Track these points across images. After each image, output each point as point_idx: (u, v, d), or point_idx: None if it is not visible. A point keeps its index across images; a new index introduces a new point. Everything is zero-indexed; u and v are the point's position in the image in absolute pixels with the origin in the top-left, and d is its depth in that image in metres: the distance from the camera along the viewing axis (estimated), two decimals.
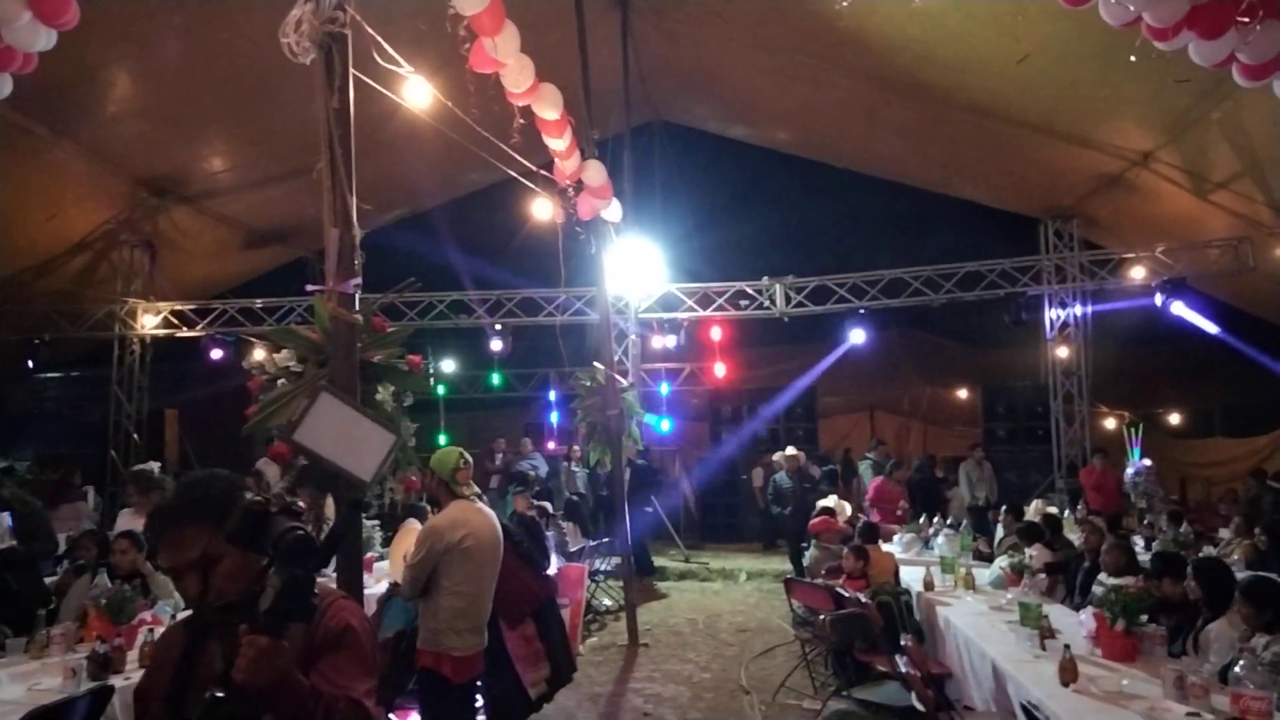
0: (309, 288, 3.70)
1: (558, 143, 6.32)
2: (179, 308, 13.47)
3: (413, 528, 6.65)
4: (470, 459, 4.58)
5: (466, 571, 4.32)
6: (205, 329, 13.33)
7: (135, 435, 13.61)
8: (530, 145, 6.58)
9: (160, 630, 4.51)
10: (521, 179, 7.01)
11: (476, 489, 4.64)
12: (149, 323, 13.42)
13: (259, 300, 13.54)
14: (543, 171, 6.92)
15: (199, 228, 13.16)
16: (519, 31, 5.09)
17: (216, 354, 13.09)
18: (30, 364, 13.23)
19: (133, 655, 4.23)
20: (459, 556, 4.28)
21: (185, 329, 13.43)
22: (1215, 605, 4.50)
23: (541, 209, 7.36)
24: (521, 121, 5.52)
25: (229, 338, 13.31)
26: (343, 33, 3.58)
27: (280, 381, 3.65)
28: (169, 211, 12.40)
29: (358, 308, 3.63)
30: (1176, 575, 5.02)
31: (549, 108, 5.73)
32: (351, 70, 3.64)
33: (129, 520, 6.03)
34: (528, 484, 11.37)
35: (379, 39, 3.94)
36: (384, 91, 4.50)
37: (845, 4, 7.34)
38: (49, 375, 15.80)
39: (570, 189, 7.27)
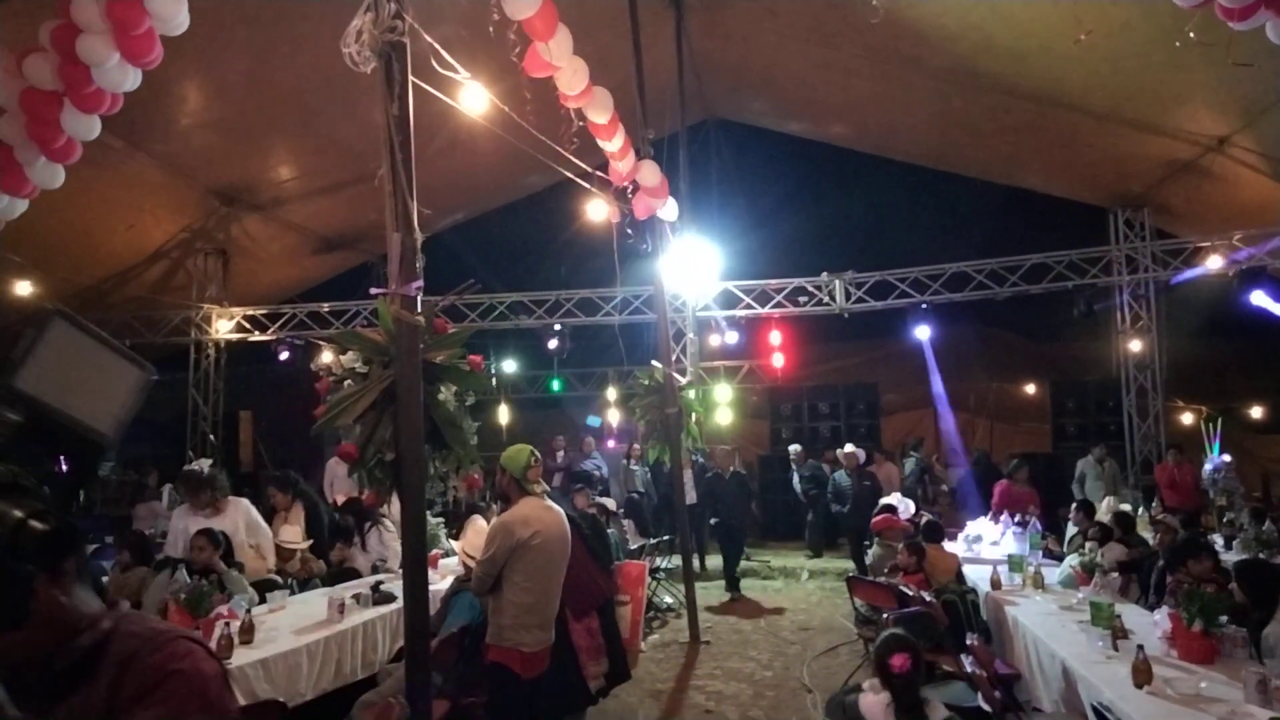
0: (372, 290, 3.79)
1: (610, 145, 6.36)
2: (251, 312, 13.92)
3: (478, 523, 6.77)
4: (540, 457, 4.65)
5: (535, 568, 4.37)
6: (276, 333, 13.73)
7: (212, 436, 14.08)
8: (587, 147, 6.64)
9: (236, 623, 4.69)
10: (578, 180, 7.07)
11: (546, 486, 4.70)
12: (223, 327, 13.88)
13: (326, 304, 13.90)
14: (598, 173, 6.97)
15: (268, 235, 13.56)
16: (571, 33, 5.14)
17: (284, 356, 13.46)
18: None
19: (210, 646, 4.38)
20: (528, 553, 4.34)
21: (257, 333, 13.87)
22: (1262, 606, 4.35)
23: (597, 210, 7.40)
24: (580, 124, 5.56)
25: (298, 341, 13.69)
26: (402, 41, 3.67)
27: (346, 383, 3.75)
28: (240, 220, 12.81)
29: (420, 309, 3.71)
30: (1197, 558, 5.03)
31: (600, 111, 5.77)
32: (410, 77, 3.73)
33: (182, 518, 6.20)
34: (591, 483, 11.47)
35: (437, 46, 4.02)
36: (443, 98, 4.59)
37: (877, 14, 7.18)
38: None
39: (626, 189, 7.30)
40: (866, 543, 8.74)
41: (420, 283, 3.67)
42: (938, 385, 15.20)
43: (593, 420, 9.65)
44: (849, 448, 11.77)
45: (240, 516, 6.16)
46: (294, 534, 6.71)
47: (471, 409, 4.11)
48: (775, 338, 13.34)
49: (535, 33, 4.75)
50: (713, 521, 10.85)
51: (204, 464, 6.31)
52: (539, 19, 4.64)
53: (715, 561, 11.33)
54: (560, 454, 13.77)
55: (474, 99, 4.72)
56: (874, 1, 6.70)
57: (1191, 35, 4.89)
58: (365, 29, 3.65)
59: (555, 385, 15.52)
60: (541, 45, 4.80)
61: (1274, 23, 4.49)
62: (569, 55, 5.03)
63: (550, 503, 4.58)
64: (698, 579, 10.47)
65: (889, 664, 3.39)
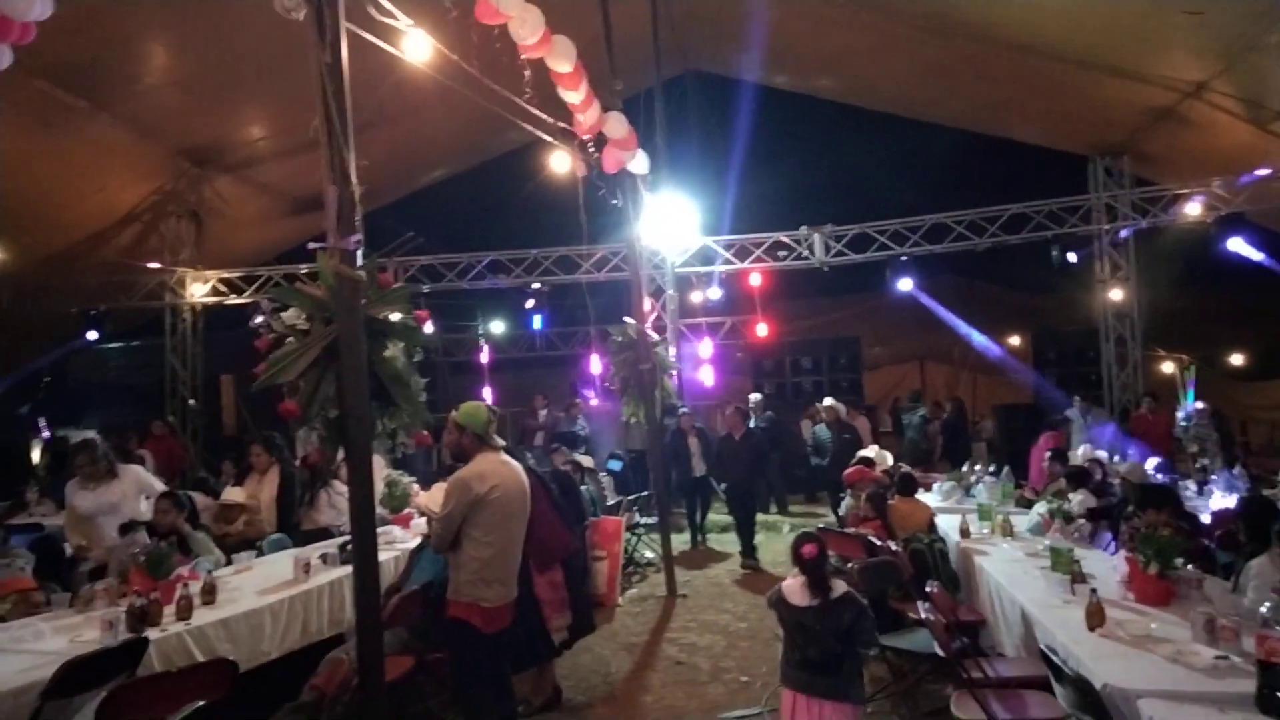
0: (310, 246, 3.72)
1: (573, 95, 6.23)
2: (226, 275, 13.79)
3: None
4: (498, 411, 4.57)
5: (494, 522, 4.34)
6: (252, 296, 13.61)
7: (191, 401, 14.03)
8: (555, 99, 6.50)
9: (196, 585, 4.68)
10: (541, 134, 6.94)
11: (503, 441, 4.62)
12: (198, 291, 13.77)
13: (304, 266, 13.73)
14: (562, 124, 6.85)
15: (242, 196, 13.38)
16: None
17: (258, 319, 13.31)
18: (96, 334, 13.69)
19: (169, 609, 4.38)
20: (486, 508, 4.30)
21: (234, 296, 13.75)
22: (1256, 540, 4.38)
23: (562, 163, 7.29)
24: (528, 74, 5.42)
25: (276, 303, 13.56)
26: None
27: (289, 340, 3.70)
28: (212, 181, 12.64)
29: (360, 264, 3.64)
30: (1160, 507, 5.07)
31: (561, 60, 5.64)
32: (344, 24, 3.62)
33: (73, 493, 6.03)
34: (575, 444, 11.45)
35: None
36: (387, 47, 4.48)
37: None
38: (109, 346, 16.33)
39: (591, 142, 7.17)
40: (841, 495, 8.77)
41: (359, 236, 3.60)
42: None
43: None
44: (829, 401, 11.78)
45: (131, 484, 6.05)
46: (238, 494, 6.68)
47: (453, 368, 4.07)
48: (755, 278, 13.19)
49: None
50: (722, 487, 10.37)
51: (90, 436, 6.19)
52: None
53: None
54: (543, 413, 13.74)
55: (417, 48, 4.61)
56: None
57: None
58: None
59: (536, 339, 15.42)
60: None
61: None
62: (520, 3, 4.90)
63: (507, 457, 4.53)
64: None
65: (801, 553, 4.29)
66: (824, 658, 4.10)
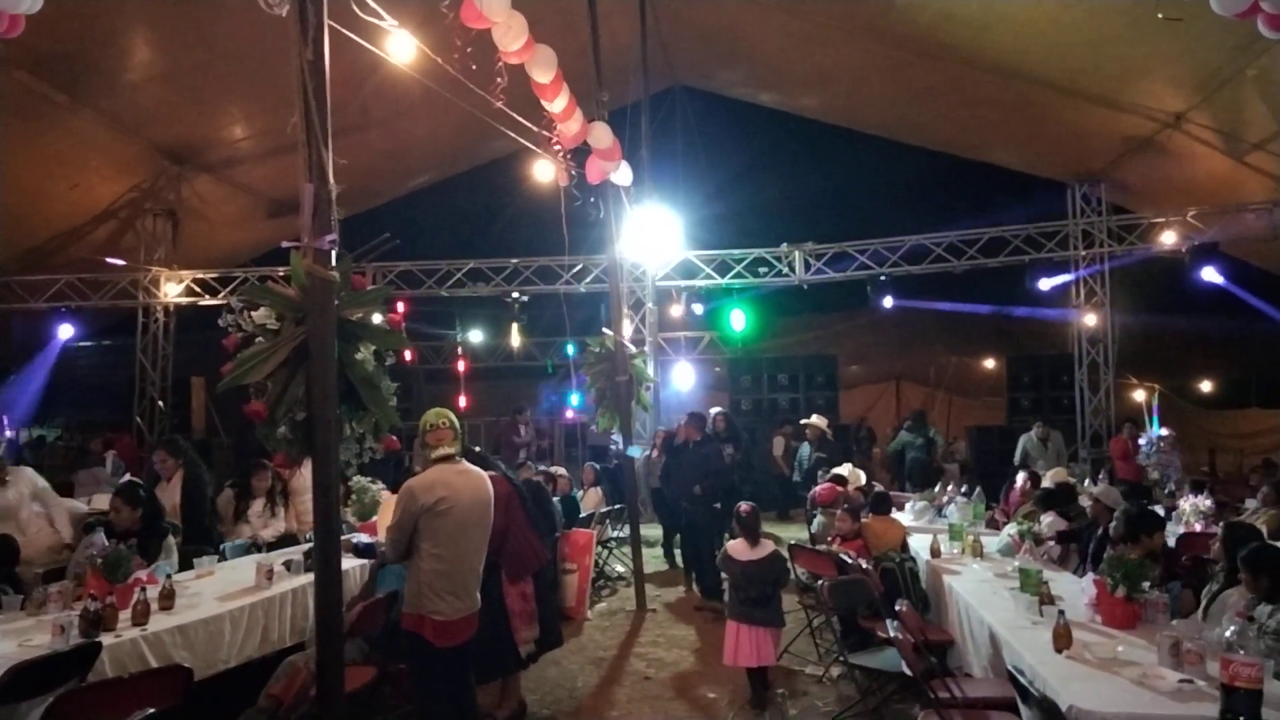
0: (284, 244, 3.66)
1: (554, 105, 6.21)
2: (201, 276, 13.63)
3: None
4: (441, 423, 4.30)
5: (445, 534, 4.17)
6: (227, 297, 13.45)
7: (160, 403, 13.83)
8: (540, 108, 6.47)
9: (155, 589, 4.57)
10: (525, 143, 6.92)
11: (455, 450, 4.36)
12: (172, 291, 13.59)
13: (281, 269, 13.57)
14: (545, 133, 6.82)
15: (221, 196, 13.27)
16: None
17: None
18: (70, 330, 13.52)
19: (125, 614, 4.28)
20: (435, 519, 4.14)
21: (208, 297, 13.60)
22: (1234, 571, 4.38)
23: (544, 172, 7.27)
24: (501, 81, 5.36)
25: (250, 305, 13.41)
26: None
27: (258, 339, 3.63)
28: (190, 180, 12.52)
29: (334, 264, 3.58)
30: (1152, 533, 4.98)
31: (543, 69, 5.61)
32: (327, 21, 3.58)
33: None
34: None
35: None
36: (371, 48, 4.45)
37: None
38: (80, 344, 16.09)
39: (570, 152, 7.15)
40: (813, 512, 8.75)
41: (334, 236, 3.53)
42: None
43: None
44: (814, 418, 11.71)
45: (25, 487, 5.81)
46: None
47: (432, 377, 3.98)
48: (736, 318, 13.27)
49: None
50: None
51: None
52: None
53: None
54: (523, 428, 13.47)
55: (401, 49, 4.57)
56: None
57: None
58: None
59: (515, 349, 15.16)
60: None
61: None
62: (506, 10, 4.87)
63: (468, 467, 4.39)
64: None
65: (739, 510, 5.78)
66: (758, 596, 5.55)
